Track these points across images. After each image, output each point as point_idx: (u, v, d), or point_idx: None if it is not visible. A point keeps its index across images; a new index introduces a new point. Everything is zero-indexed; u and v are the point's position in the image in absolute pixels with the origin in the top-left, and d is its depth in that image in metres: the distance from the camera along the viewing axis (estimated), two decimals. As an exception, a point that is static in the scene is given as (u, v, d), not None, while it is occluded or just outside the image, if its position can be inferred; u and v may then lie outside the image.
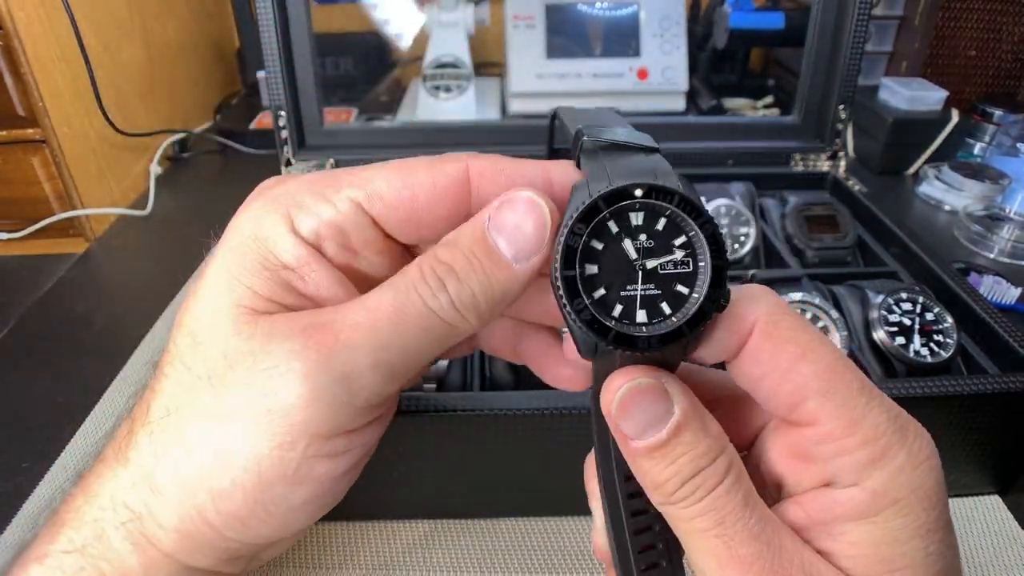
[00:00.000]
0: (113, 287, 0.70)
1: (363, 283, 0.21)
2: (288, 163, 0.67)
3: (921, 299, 0.49)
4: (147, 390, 0.20)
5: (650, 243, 0.18)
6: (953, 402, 0.39)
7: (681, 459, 0.18)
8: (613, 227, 0.18)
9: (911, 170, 0.90)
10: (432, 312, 0.19)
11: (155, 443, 0.19)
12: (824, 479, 0.18)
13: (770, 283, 0.51)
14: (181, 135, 0.97)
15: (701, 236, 0.18)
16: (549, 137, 0.22)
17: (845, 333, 0.47)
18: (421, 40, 0.94)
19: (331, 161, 0.68)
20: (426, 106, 0.92)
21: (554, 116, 0.21)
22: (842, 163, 0.69)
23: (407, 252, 0.23)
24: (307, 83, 0.66)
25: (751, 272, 0.52)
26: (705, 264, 0.18)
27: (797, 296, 0.48)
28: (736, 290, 0.19)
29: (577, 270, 0.18)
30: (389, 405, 0.21)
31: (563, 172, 0.21)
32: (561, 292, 0.18)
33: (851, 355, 0.47)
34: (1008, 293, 0.64)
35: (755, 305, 0.19)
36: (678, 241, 0.18)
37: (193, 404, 0.19)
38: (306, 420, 0.18)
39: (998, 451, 0.43)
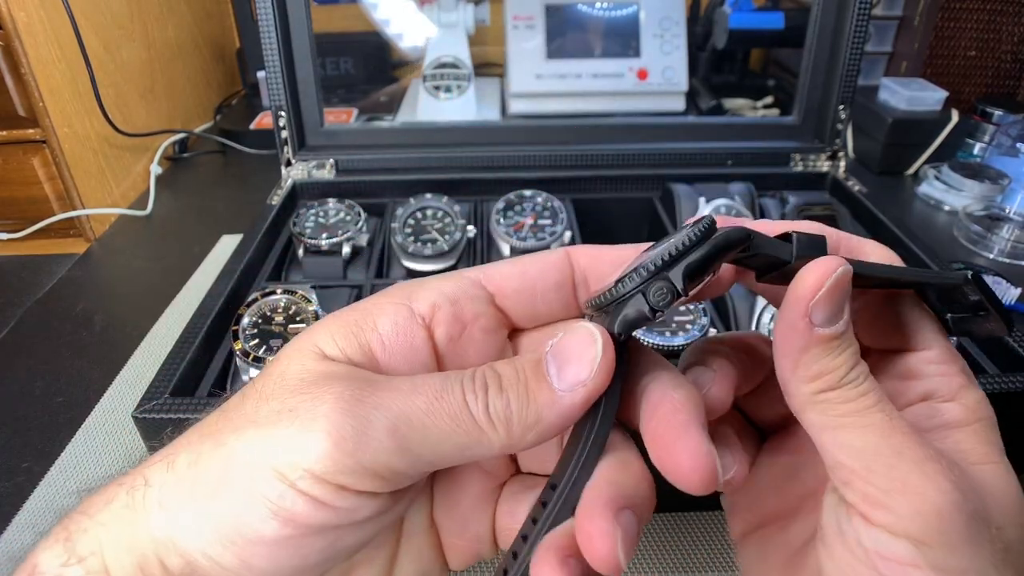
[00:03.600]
0: (113, 287, 0.70)
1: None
2: (288, 163, 0.67)
3: (921, 299, 0.49)
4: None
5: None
6: (953, 402, 0.39)
7: (849, 349, 0.19)
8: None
9: (911, 170, 0.90)
10: (466, 408, 0.19)
11: (193, 434, 0.20)
12: (925, 393, 0.21)
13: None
14: (181, 135, 0.97)
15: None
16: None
17: (845, 333, 0.47)
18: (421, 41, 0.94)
19: (331, 161, 0.68)
20: (426, 106, 0.92)
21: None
22: (842, 163, 0.69)
23: (513, 346, 0.24)
24: (307, 83, 0.66)
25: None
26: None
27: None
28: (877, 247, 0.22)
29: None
30: (389, 490, 0.19)
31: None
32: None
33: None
34: (1008, 293, 0.64)
35: (893, 253, 0.22)
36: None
37: (229, 416, 0.19)
38: (307, 444, 0.18)
39: (998, 451, 0.43)
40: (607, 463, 0.20)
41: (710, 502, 0.44)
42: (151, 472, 0.19)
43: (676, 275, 0.19)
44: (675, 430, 0.19)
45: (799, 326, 0.19)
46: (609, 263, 0.23)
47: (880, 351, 0.23)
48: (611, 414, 0.20)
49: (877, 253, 0.22)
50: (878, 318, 0.22)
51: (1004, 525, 0.19)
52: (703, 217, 0.19)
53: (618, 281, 0.19)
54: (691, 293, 0.19)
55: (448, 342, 0.22)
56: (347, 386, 0.19)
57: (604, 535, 0.17)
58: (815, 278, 0.19)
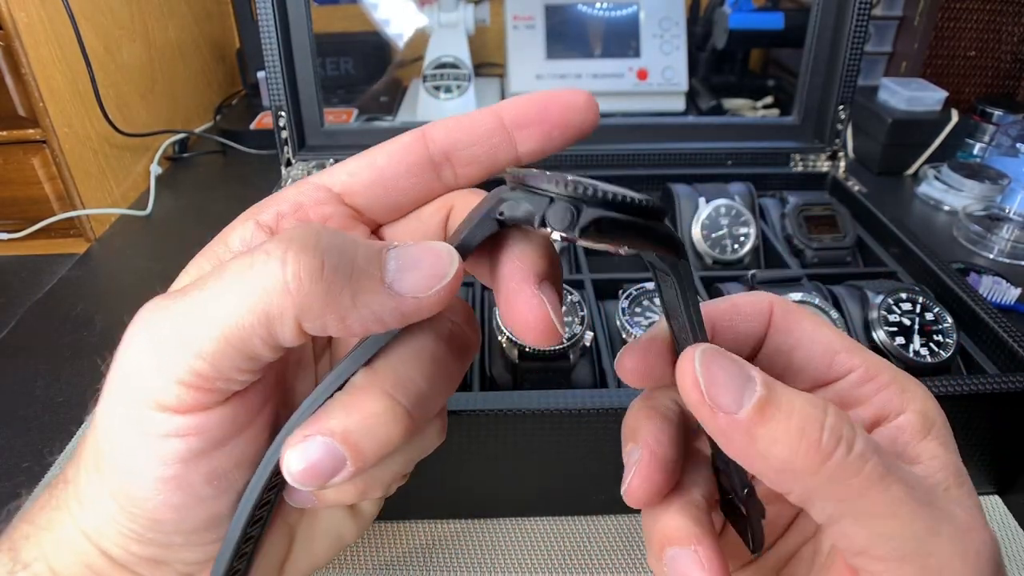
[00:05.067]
0: (113, 287, 0.70)
1: None
2: (288, 163, 0.67)
3: (921, 299, 0.49)
4: None
5: None
6: (953, 402, 0.39)
7: (795, 404, 0.17)
8: None
9: (911, 170, 0.90)
10: (249, 270, 0.16)
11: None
12: (875, 418, 0.20)
13: (770, 283, 0.51)
14: (181, 135, 0.97)
15: None
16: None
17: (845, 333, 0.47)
18: (421, 40, 0.94)
19: (331, 161, 0.68)
20: (426, 106, 0.92)
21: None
22: (842, 163, 0.69)
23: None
24: (307, 83, 0.66)
25: (751, 272, 0.52)
26: None
27: (797, 296, 0.48)
28: (742, 294, 0.22)
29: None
30: (217, 400, 0.18)
31: (512, 107, 0.21)
32: None
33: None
34: (1008, 293, 0.64)
35: (764, 296, 0.22)
36: None
37: None
38: (129, 384, 0.18)
39: (998, 451, 0.43)
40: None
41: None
42: (69, 469, 0.19)
43: (588, 215, 0.17)
44: (515, 286, 0.19)
45: (723, 425, 0.17)
46: (467, 131, 0.21)
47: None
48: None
49: (809, 324, 0.21)
50: (787, 360, 0.21)
51: None
52: (652, 200, 0.18)
53: (549, 173, 0.18)
54: (581, 240, 0.17)
55: None
56: (151, 308, 0.18)
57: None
58: (687, 374, 0.17)
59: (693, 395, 0.17)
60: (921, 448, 0.19)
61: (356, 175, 0.21)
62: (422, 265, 0.17)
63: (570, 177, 0.17)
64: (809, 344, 0.21)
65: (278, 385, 0.22)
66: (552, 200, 0.17)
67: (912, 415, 0.20)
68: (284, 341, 0.17)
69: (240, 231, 0.21)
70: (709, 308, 0.21)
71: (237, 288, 0.16)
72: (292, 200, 0.21)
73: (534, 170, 0.18)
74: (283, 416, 0.22)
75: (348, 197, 0.21)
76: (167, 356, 0.17)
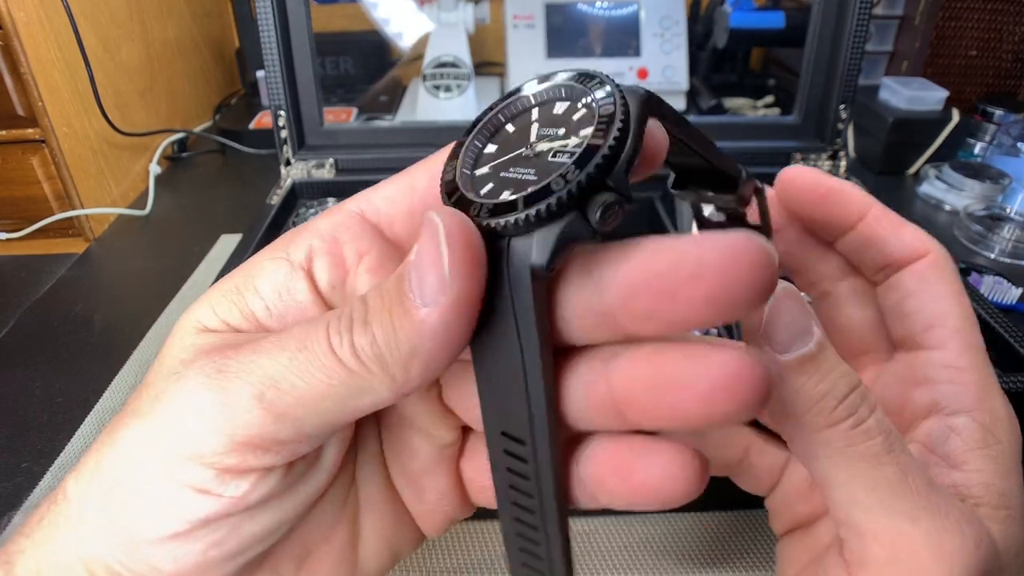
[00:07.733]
0: (113, 287, 0.70)
1: None
2: (288, 163, 0.67)
3: (922, 299, 0.48)
4: None
5: (555, 131, 0.16)
6: (954, 402, 0.39)
7: (832, 374, 0.17)
8: (534, 115, 0.18)
9: (912, 170, 0.90)
10: (332, 355, 0.16)
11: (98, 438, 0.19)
12: (931, 404, 0.19)
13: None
14: (181, 135, 0.97)
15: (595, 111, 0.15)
16: None
17: (846, 333, 0.46)
18: (421, 40, 0.94)
19: (331, 161, 0.68)
20: (426, 106, 0.92)
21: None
22: (843, 163, 0.69)
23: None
24: (307, 83, 0.66)
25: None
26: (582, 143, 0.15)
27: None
28: (908, 227, 0.21)
29: (473, 141, 0.17)
30: (281, 463, 0.17)
31: None
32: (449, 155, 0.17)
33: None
34: (1009, 293, 0.64)
35: (933, 241, 0.21)
36: (584, 130, 0.15)
37: (124, 409, 0.18)
38: (176, 430, 0.16)
39: (999, 451, 0.43)
40: None
41: (728, 503, 0.44)
42: (69, 483, 0.18)
43: (620, 180, 0.14)
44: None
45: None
46: None
47: (880, 349, 0.21)
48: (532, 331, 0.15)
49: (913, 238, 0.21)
50: (898, 304, 0.20)
51: None
52: (610, 93, 0.15)
53: (530, 196, 0.14)
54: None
55: (332, 290, 0.18)
56: (212, 357, 0.17)
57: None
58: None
59: (752, 321, 0.17)
60: (971, 458, 0.18)
61: (395, 201, 0.19)
62: (427, 259, 0.15)
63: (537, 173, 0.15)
64: (928, 301, 0.20)
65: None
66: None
67: (973, 422, 0.19)
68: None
69: (272, 275, 0.18)
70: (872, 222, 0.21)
71: (327, 388, 0.16)
72: (326, 234, 0.19)
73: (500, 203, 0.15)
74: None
75: (388, 228, 0.19)
76: (235, 414, 0.16)
